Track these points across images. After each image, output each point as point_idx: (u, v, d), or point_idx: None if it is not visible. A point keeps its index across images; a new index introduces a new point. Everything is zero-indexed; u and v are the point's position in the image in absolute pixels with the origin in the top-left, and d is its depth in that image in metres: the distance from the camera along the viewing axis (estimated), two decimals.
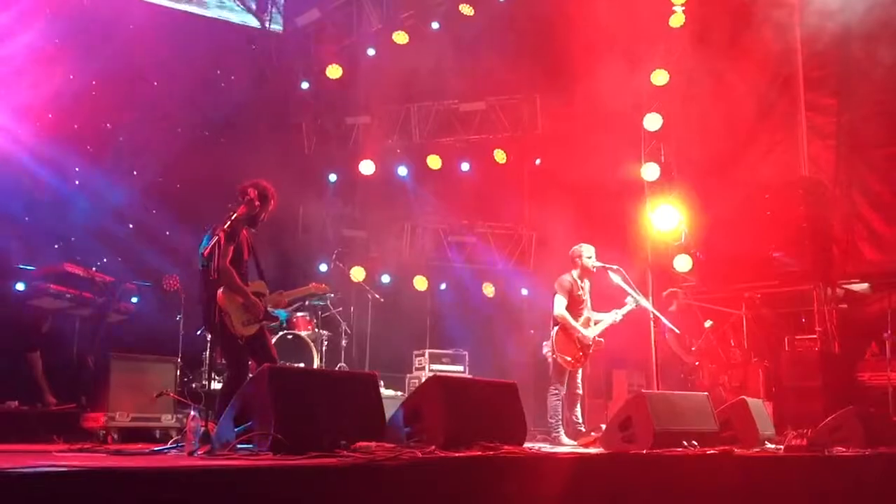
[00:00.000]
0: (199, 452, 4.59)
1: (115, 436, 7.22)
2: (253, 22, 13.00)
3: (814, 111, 11.10)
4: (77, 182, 9.17)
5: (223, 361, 6.97)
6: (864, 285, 10.62)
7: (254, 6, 13.07)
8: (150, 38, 10.10)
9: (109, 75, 9.48)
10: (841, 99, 10.93)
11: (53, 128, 8.92)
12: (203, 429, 4.85)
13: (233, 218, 5.80)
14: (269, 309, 6.28)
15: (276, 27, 13.25)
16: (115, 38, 9.39)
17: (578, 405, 8.19)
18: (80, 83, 9.21)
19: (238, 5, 12.80)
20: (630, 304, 8.29)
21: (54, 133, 8.90)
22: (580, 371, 8.20)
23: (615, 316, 8.27)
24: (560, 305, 8.01)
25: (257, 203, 6.15)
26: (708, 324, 10.26)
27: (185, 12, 11.93)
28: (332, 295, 10.03)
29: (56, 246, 8.28)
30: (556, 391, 7.96)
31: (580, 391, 8.23)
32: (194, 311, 8.79)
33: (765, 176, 11.12)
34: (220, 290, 5.84)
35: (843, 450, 6.33)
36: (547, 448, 6.86)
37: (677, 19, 11.76)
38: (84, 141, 9.33)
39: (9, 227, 7.99)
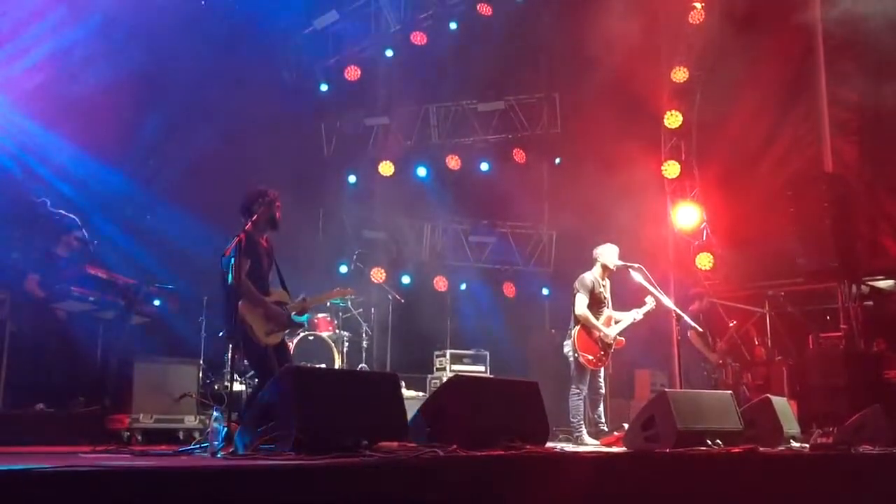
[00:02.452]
0: (223, 453, 4.62)
1: (139, 437, 7.27)
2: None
3: (837, 106, 10.98)
4: (96, 184, 9.22)
5: (247, 363, 7.06)
6: (890, 282, 10.49)
7: None
8: (168, 38, 10.16)
9: (126, 77, 9.54)
10: (864, 94, 10.80)
11: (72, 129, 8.98)
12: (226, 430, 4.88)
13: (247, 230, 5.84)
14: (294, 317, 6.35)
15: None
16: (132, 39, 9.45)
17: (601, 405, 8.15)
18: (98, 84, 9.26)
19: None
20: (650, 304, 8.22)
21: (72, 135, 8.96)
22: (602, 370, 8.15)
23: (636, 315, 8.22)
24: (581, 304, 7.97)
25: (260, 213, 6.20)
26: (732, 324, 10.18)
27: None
28: (354, 297, 10.05)
29: (78, 249, 8.31)
30: (578, 391, 7.92)
31: (603, 391, 8.19)
32: (216, 313, 8.87)
33: (788, 172, 11.03)
34: (240, 302, 5.90)
35: (870, 448, 6.26)
36: (569, 448, 6.84)
37: (697, 16, 11.70)
38: (103, 142, 9.38)
39: (28, 229, 8.04)
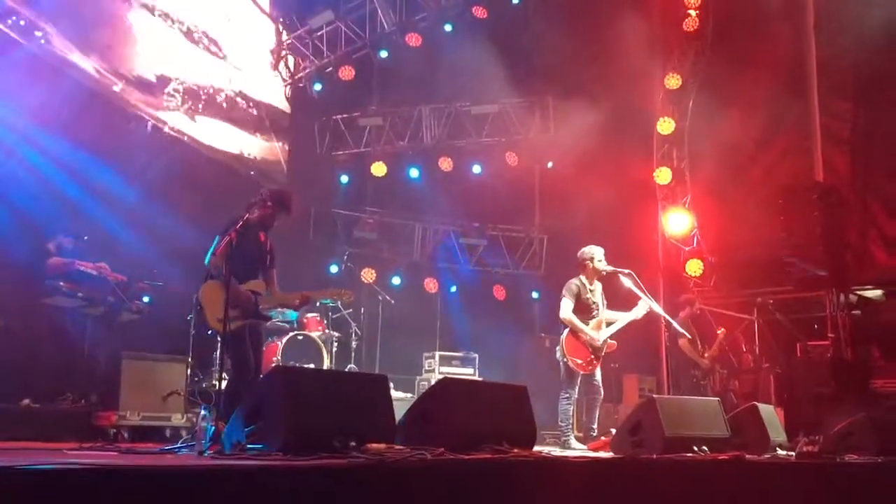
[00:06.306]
0: (210, 452, 4.60)
1: (126, 434, 7.24)
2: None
3: (829, 116, 11.04)
4: (87, 178, 9.17)
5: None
6: (878, 292, 10.54)
7: (268, 9, 13.14)
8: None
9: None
10: (856, 104, 10.86)
11: (67, 127, 8.94)
12: (213, 428, 4.86)
13: (244, 219, 5.85)
14: (263, 308, 6.26)
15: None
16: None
17: (596, 409, 8.04)
18: (92, 80, 9.20)
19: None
20: (643, 307, 8.13)
21: (68, 132, 8.91)
22: (599, 374, 8.06)
23: (635, 314, 8.09)
24: (566, 308, 7.92)
25: (270, 210, 6.22)
26: (720, 331, 10.20)
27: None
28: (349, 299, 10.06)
29: (68, 245, 8.27)
30: (567, 395, 7.89)
31: (601, 395, 8.06)
32: None
33: (778, 180, 11.06)
34: (203, 284, 5.89)
35: (855, 457, 6.28)
36: (557, 452, 6.84)
37: (691, 23, 11.75)
38: (96, 136, 9.32)
39: (20, 224, 8.00)
